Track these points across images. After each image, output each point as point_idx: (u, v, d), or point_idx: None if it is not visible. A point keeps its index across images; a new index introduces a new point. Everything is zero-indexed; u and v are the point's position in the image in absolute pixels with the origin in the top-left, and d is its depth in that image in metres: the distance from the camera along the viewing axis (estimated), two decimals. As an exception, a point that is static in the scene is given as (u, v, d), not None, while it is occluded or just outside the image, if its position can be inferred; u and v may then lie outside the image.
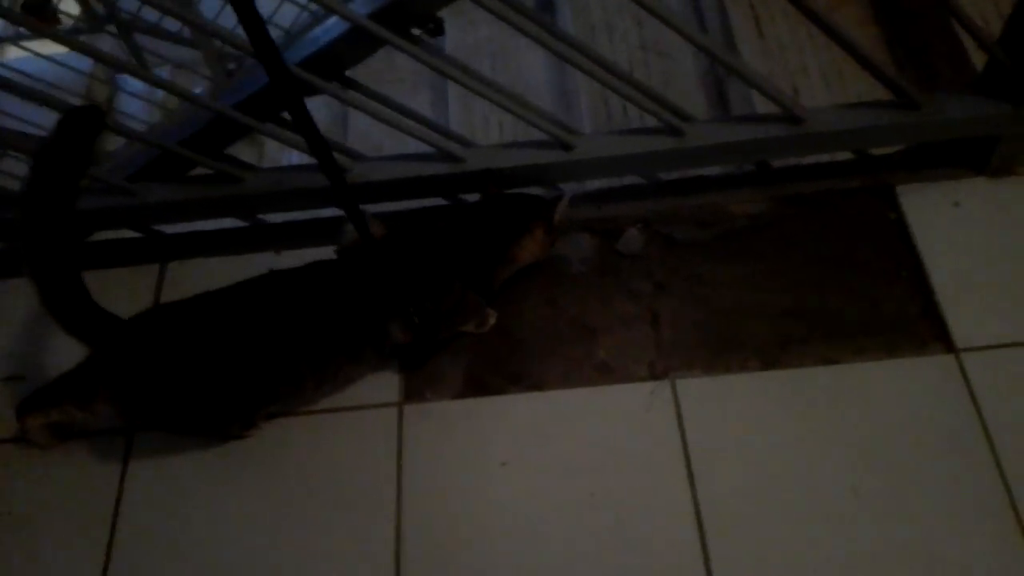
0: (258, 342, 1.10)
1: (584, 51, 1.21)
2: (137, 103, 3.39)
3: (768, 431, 1.20)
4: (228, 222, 1.48)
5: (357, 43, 1.23)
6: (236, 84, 1.27)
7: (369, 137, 2.84)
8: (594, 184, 1.45)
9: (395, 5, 1.20)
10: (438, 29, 3.08)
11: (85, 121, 1.06)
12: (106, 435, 1.26)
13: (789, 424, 1.20)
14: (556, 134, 1.28)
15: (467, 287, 1.19)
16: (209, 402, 1.12)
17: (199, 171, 1.34)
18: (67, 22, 3.40)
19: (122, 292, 1.39)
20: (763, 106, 1.96)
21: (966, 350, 1.22)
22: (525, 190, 1.36)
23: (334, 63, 1.26)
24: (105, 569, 1.17)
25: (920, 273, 1.30)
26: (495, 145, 1.36)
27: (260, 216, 1.49)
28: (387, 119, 1.28)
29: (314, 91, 1.22)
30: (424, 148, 1.32)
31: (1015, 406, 1.17)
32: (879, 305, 1.28)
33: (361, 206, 1.40)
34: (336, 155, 1.33)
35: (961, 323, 1.24)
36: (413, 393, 1.27)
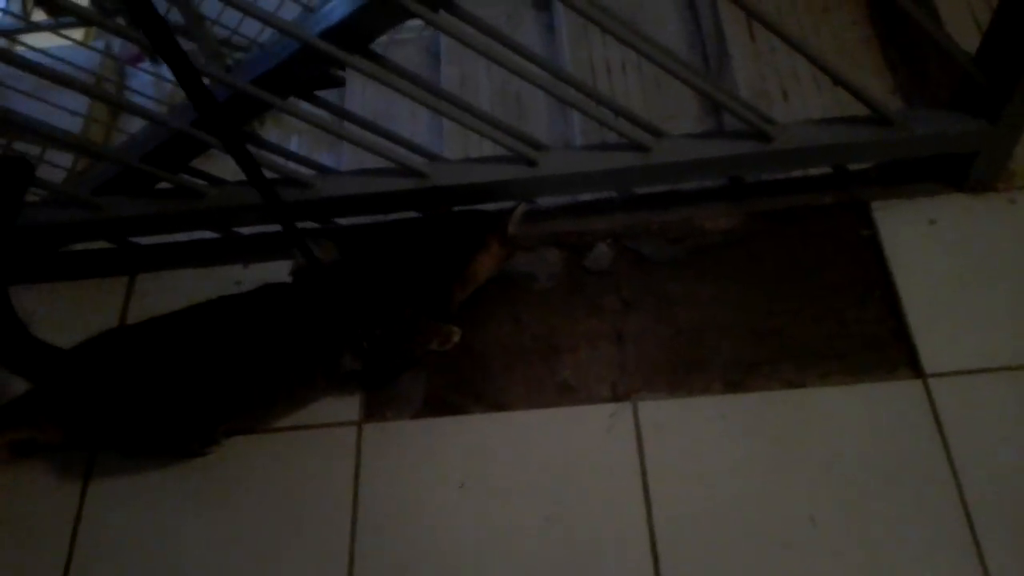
0: (204, 365, 1.10)
1: (544, 66, 1.19)
2: (145, 102, 3.38)
3: (729, 456, 1.18)
4: (200, 233, 1.47)
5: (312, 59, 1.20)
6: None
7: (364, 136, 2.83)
8: (564, 197, 1.43)
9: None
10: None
11: (14, 173, 1.06)
12: (69, 452, 1.27)
13: (750, 449, 1.18)
14: (519, 149, 1.26)
15: (421, 309, 1.17)
16: (152, 425, 1.12)
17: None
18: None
19: (89, 304, 1.41)
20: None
21: (934, 375, 1.19)
22: (493, 206, 1.35)
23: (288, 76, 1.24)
24: (63, 585, 1.18)
25: (892, 294, 1.27)
26: (460, 160, 1.34)
27: (233, 228, 1.49)
28: (348, 134, 1.26)
29: (265, 107, 1.21)
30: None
31: (980, 436, 1.14)
32: (849, 327, 1.25)
33: (331, 220, 1.41)
34: (301, 169, 1.32)
35: (931, 347, 1.21)
36: (374, 412, 1.26)
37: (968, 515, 1.09)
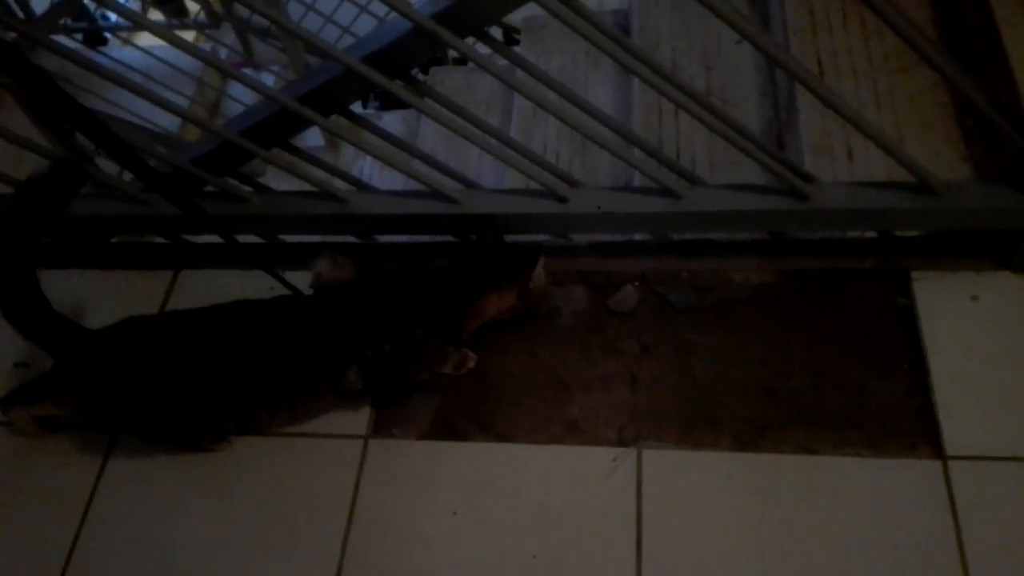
0: (214, 363, 1.13)
1: (579, 103, 1.19)
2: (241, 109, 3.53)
3: (728, 515, 1.15)
4: (247, 236, 1.52)
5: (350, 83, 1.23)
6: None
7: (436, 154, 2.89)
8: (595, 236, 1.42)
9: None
10: (511, 40, 3.10)
11: (70, 174, 1.13)
12: (93, 431, 1.33)
13: (751, 511, 1.14)
14: (551, 184, 1.27)
15: (431, 333, 1.19)
16: (159, 413, 1.16)
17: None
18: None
19: (133, 294, 1.48)
20: (811, 163, 1.90)
21: (955, 458, 1.14)
22: (528, 238, 1.36)
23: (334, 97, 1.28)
24: (69, 558, 1.23)
25: (922, 368, 1.22)
26: (493, 190, 1.35)
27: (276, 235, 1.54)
28: (387, 156, 1.29)
29: (307, 123, 1.25)
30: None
31: (996, 526, 1.08)
32: (871, 397, 1.21)
33: (369, 236, 1.44)
34: (338, 184, 1.36)
35: (955, 428, 1.16)
36: (381, 428, 1.28)
37: (973, 610, 1.04)
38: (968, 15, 1.97)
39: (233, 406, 1.18)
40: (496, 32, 3.18)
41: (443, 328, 1.19)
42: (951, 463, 1.14)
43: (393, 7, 1.02)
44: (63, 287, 1.44)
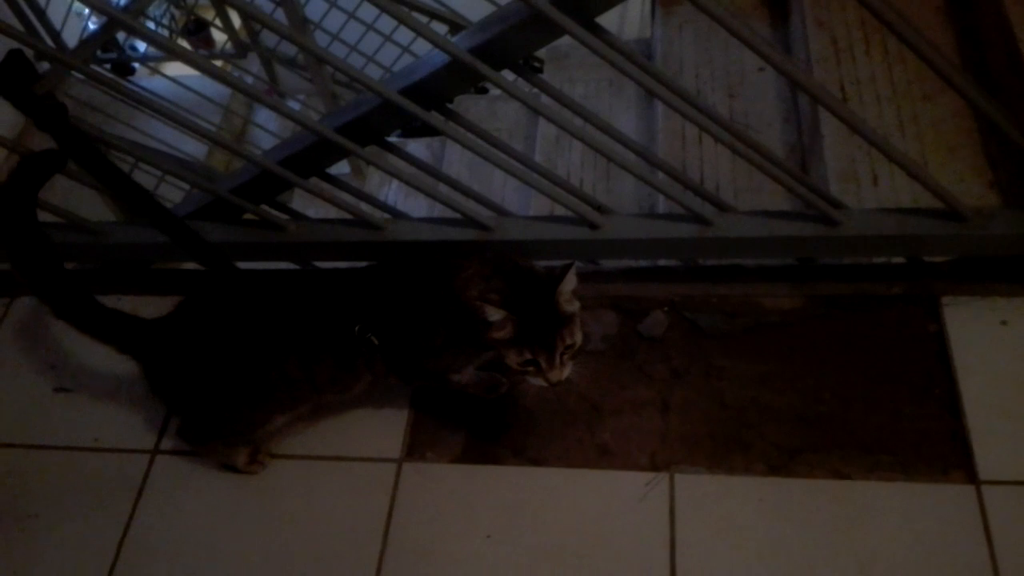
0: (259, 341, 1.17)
1: (606, 130, 1.22)
2: (267, 136, 3.59)
3: (761, 540, 1.15)
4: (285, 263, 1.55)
5: (387, 114, 1.26)
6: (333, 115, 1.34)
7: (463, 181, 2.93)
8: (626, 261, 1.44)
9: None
10: (534, 68, 3.14)
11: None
12: (134, 453, 1.36)
13: (785, 536, 1.15)
14: (582, 211, 1.29)
15: (460, 343, 1.16)
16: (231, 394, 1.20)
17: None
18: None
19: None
20: (836, 189, 1.91)
21: (988, 483, 1.14)
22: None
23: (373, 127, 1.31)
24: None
25: (953, 393, 1.22)
26: (525, 217, 1.38)
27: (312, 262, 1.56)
28: (420, 184, 1.32)
29: (344, 153, 1.28)
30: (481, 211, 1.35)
31: (1032, 552, 1.08)
32: (903, 422, 1.22)
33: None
34: (373, 211, 1.39)
35: (988, 453, 1.16)
36: (415, 451, 1.30)
37: (1010, 636, 1.03)
38: (991, 41, 1.99)
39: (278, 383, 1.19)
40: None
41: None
42: (984, 488, 1.14)
43: (434, 42, 1.05)
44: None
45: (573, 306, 1.09)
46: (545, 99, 1.25)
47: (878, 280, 1.36)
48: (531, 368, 1.08)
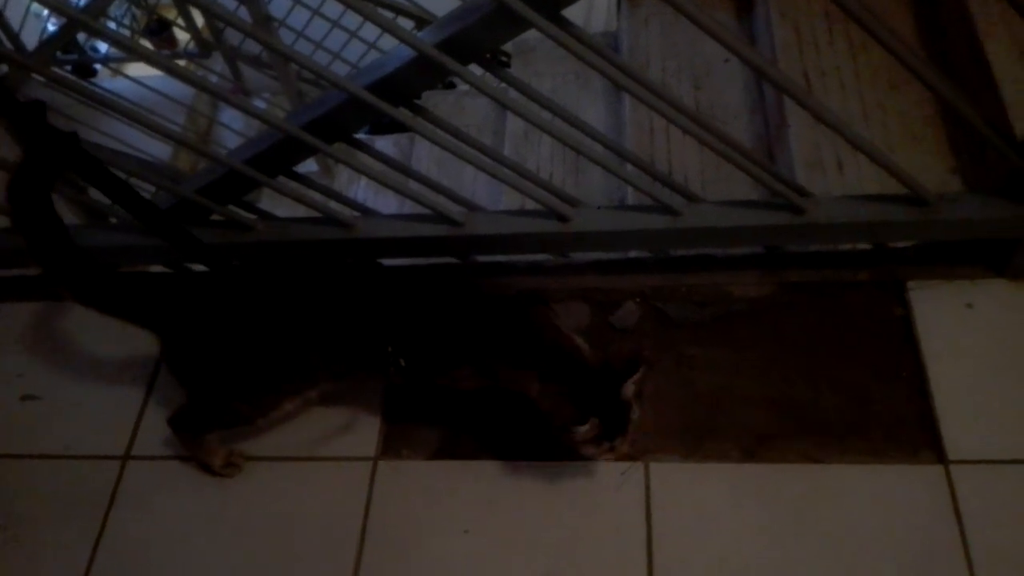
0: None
1: (574, 123, 1.22)
2: (233, 136, 3.55)
3: (737, 525, 1.16)
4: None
5: (354, 111, 1.25)
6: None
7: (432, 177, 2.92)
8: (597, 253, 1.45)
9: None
10: (501, 62, 3.14)
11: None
12: (105, 459, 1.34)
13: (760, 521, 1.16)
14: (552, 205, 1.29)
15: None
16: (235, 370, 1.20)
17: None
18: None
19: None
20: (802, 177, 1.93)
21: (957, 462, 1.16)
22: (522, 258, 1.38)
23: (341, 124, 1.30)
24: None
25: (921, 375, 1.24)
26: (495, 211, 1.37)
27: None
28: (388, 180, 1.31)
29: (311, 151, 1.27)
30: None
31: (1000, 528, 1.10)
32: (872, 405, 1.23)
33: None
34: (342, 208, 1.38)
35: (956, 433, 1.18)
36: (390, 449, 1.29)
37: (980, 611, 1.05)
38: (950, 28, 2.02)
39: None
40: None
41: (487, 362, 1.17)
42: (953, 467, 1.16)
43: (399, 37, 1.05)
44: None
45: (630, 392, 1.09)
46: (513, 94, 1.25)
47: (845, 266, 1.37)
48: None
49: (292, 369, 1.19)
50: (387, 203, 2.91)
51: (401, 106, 1.22)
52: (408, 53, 1.14)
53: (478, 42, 1.15)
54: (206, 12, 3.06)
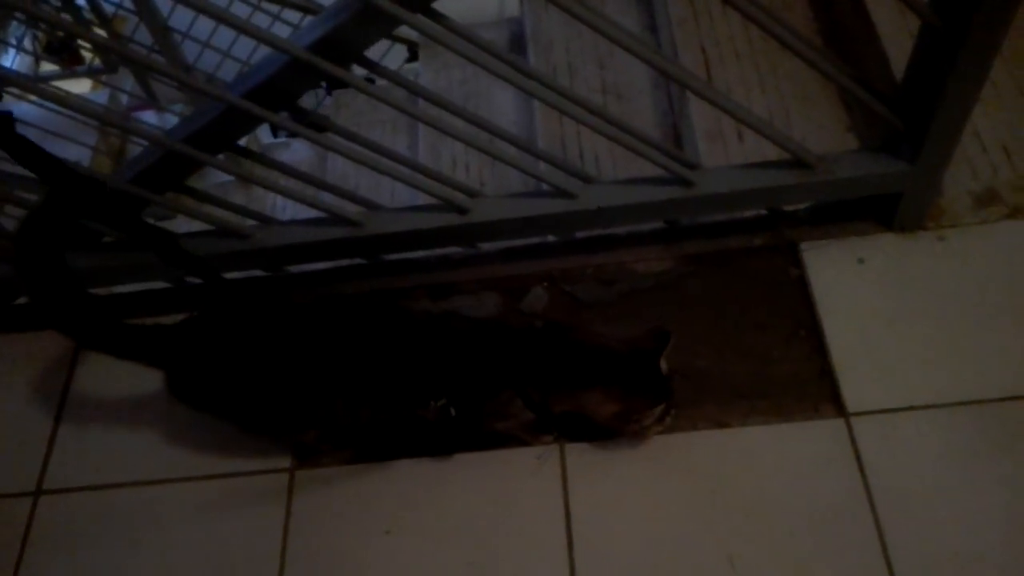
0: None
1: (463, 115, 1.22)
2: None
3: (653, 497, 1.19)
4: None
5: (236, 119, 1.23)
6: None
7: (347, 180, 2.89)
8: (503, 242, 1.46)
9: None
10: (415, 55, 3.13)
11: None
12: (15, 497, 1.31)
13: (675, 489, 1.19)
14: (449, 198, 1.29)
15: (522, 397, 1.16)
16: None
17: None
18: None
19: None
20: (705, 149, 1.97)
21: (857, 414, 1.20)
22: (430, 253, 1.39)
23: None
24: None
25: (817, 332, 1.28)
26: (394, 208, 1.37)
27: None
28: (288, 190, 1.30)
29: (199, 164, 1.25)
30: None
31: (900, 474, 1.14)
32: (774, 366, 1.27)
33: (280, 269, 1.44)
34: (240, 220, 1.36)
35: (854, 386, 1.22)
36: (308, 458, 1.28)
37: (887, 555, 1.09)
38: (836, -7, 2.07)
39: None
40: (401, 48, 3.20)
41: (536, 399, 1.16)
42: (853, 419, 1.20)
43: (267, 42, 1.04)
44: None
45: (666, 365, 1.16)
46: (425, 81, 1.24)
47: (742, 234, 1.40)
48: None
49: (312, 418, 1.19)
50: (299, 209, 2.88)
51: (287, 111, 1.21)
52: (281, 57, 1.13)
53: (353, 40, 1.14)
54: (107, 26, 2.98)
